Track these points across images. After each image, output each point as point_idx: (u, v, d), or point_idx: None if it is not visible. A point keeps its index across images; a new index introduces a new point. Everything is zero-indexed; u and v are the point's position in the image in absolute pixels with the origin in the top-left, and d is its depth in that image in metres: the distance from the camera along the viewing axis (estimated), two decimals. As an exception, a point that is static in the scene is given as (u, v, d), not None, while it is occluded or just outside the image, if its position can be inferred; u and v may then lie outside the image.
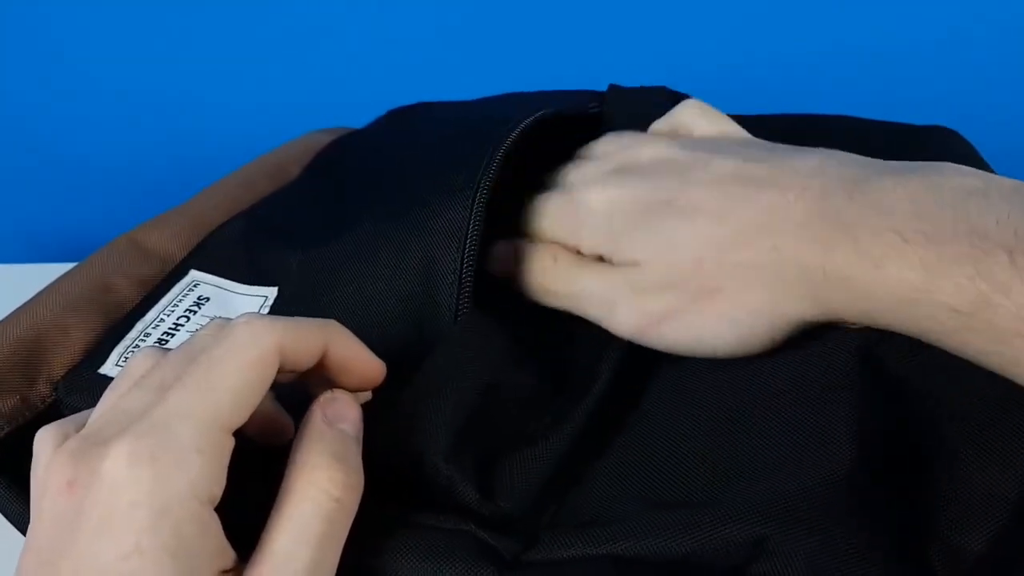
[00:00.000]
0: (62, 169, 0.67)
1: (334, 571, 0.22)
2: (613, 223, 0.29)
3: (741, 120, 0.44)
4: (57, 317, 0.34)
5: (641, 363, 0.29)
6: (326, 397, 0.24)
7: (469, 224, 0.29)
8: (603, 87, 0.43)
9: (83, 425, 0.24)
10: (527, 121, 0.32)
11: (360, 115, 0.49)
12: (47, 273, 0.37)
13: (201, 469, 0.20)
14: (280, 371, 0.23)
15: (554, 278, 0.30)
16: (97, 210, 0.67)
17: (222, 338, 0.22)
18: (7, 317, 0.34)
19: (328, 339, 0.24)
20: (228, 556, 0.21)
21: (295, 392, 0.25)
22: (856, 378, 0.25)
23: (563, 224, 0.31)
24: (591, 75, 0.46)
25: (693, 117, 0.33)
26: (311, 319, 0.24)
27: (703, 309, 0.27)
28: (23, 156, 0.67)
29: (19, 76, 0.64)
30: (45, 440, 0.23)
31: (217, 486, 0.21)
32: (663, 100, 0.42)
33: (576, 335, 0.30)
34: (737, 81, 0.62)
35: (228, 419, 0.21)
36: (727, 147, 0.30)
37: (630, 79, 0.44)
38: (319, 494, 0.22)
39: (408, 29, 0.62)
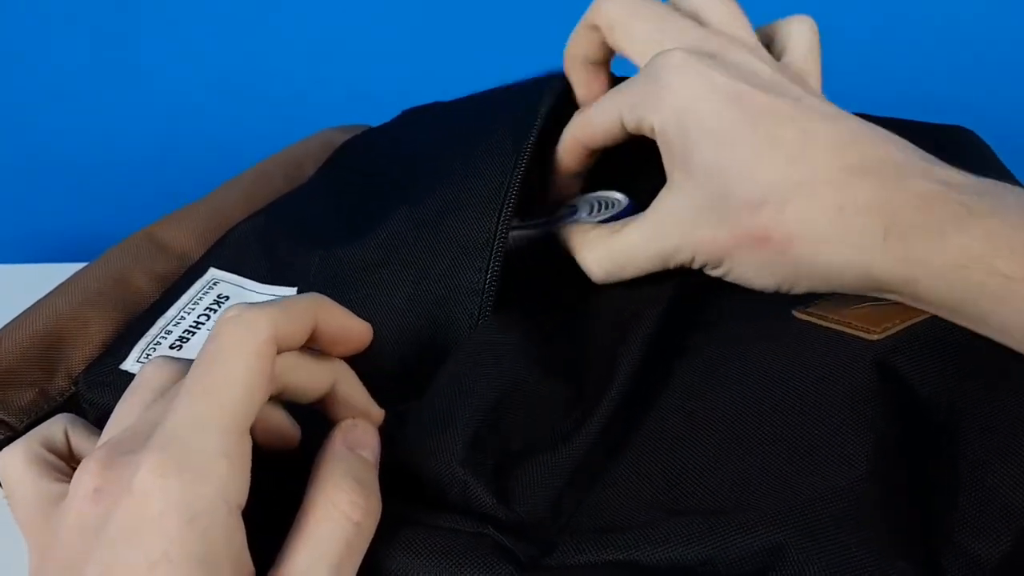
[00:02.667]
0: (77, 168, 0.67)
1: None
2: (688, 121, 0.28)
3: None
4: (76, 310, 0.34)
5: (657, 369, 0.29)
6: (347, 424, 0.25)
7: (495, 236, 0.29)
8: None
9: (47, 440, 0.25)
10: (540, 122, 0.33)
11: (374, 112, 0.49)
12: (55, 273, 0.37)
13: (228, 473, 0.21)
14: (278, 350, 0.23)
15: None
16: (112, 209, 0.67)
17: (216, 337, 0.22)
18: (26, 310, 0.34)
19: (316, 313, 0.24)
20: (249, 568, 0.21)
21: (309, 411, 0.25)
22: (875, 388, 0.26)
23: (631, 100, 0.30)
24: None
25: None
26: (298, 296, 0.24)
27: (747, 253, 0.27)
28: (38, 155, 0.67)
29: (30, 73, 0.64)
30: (16, 458, 0.24)
31: (243, 489, 0.21)
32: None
33: (592, 340, 0.30)
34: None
35: (244, 417, 0.21)
36: (814, 94, 0.30)
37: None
38: (340, 517, 0.22)
39: (422, 26, 0.62)
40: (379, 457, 0.25)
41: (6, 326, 0.34)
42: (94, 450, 0.22)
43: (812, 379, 0.27)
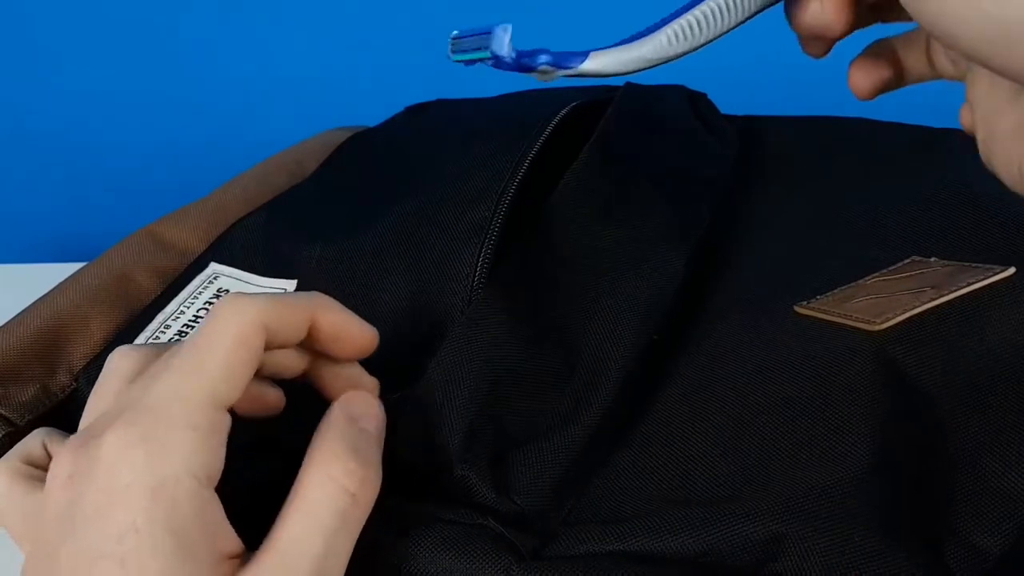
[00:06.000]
0: (77, 168, 0.67)
1: (344, 567, 0.22)
2: None
3: (758, 120, 0.44)
4: (78, 307, 0.34)
5: (659, 362, 0.29)
6: (347, 396, 0.24)
7: (491, 221, 0.29)
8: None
9: (27, 456, 0.25)
10: (551, 125, 0.33)
11: (375, 113, 0.49)
12: (55, 273, 0.37)
13: (195, 445, 0.20)
14: (270, 346, 0.23)
15: None
16: (112, 209, 0.67)
17: (208, 319, 0.22)
18: (28, 307, 0.34)
19: (314, 310, 0.24)
20: (232, 541, 0.21)
21: (309, 390, 0.25)
22: (875, 379, 0.26)
23: None
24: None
25: None
26: (296, 293, 0.24)
27: None
28: (38, 155, 0.67)
29: (31, 74, 0.64)
30: None
31: (215, 463, 0.21)
32: (681, 98, 0.43)
33: (586, 324, 0.30)
34: (754, 82, 0.62)
35: (220, 395, 0.21)
36: None
37: (645, 77, 0.43)
38: (333, 486, 0.22)
39: (422, 27, 0.62)
40: (383, 430, 0.24)
41: (8, 323, 0.34)
42: (68, 440, 0.22)
43: (813, 372, 0.27)
